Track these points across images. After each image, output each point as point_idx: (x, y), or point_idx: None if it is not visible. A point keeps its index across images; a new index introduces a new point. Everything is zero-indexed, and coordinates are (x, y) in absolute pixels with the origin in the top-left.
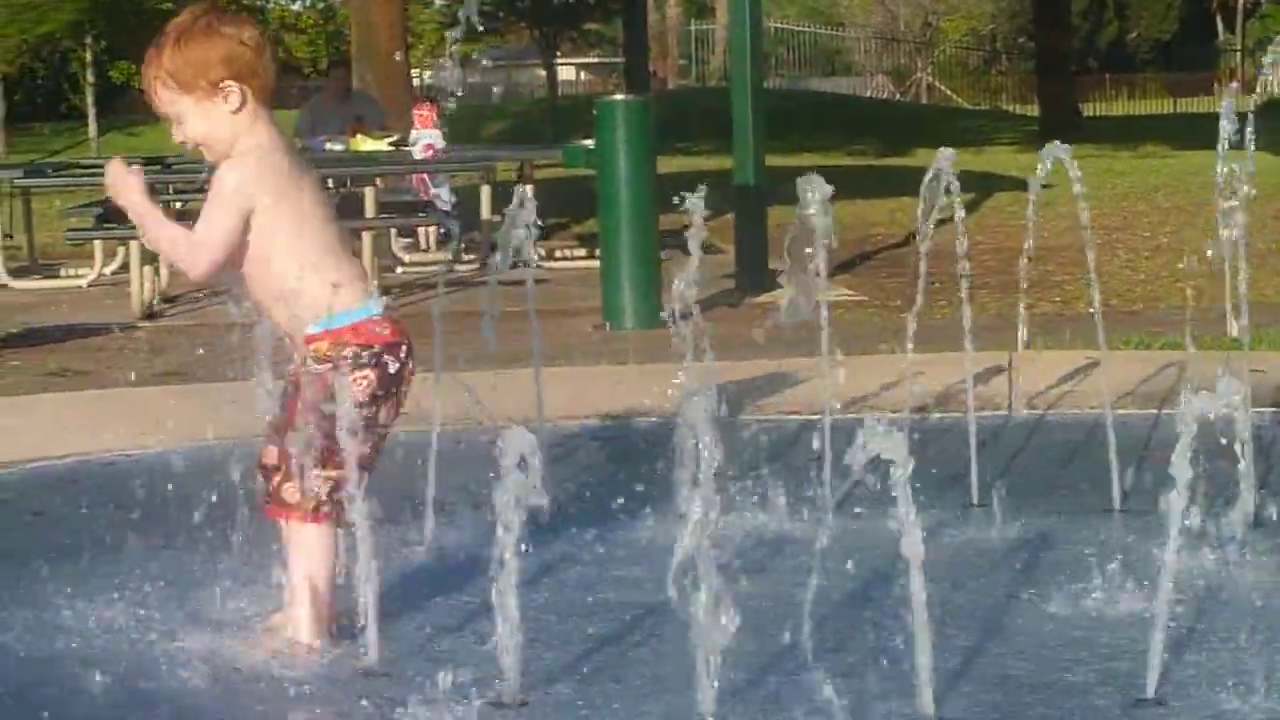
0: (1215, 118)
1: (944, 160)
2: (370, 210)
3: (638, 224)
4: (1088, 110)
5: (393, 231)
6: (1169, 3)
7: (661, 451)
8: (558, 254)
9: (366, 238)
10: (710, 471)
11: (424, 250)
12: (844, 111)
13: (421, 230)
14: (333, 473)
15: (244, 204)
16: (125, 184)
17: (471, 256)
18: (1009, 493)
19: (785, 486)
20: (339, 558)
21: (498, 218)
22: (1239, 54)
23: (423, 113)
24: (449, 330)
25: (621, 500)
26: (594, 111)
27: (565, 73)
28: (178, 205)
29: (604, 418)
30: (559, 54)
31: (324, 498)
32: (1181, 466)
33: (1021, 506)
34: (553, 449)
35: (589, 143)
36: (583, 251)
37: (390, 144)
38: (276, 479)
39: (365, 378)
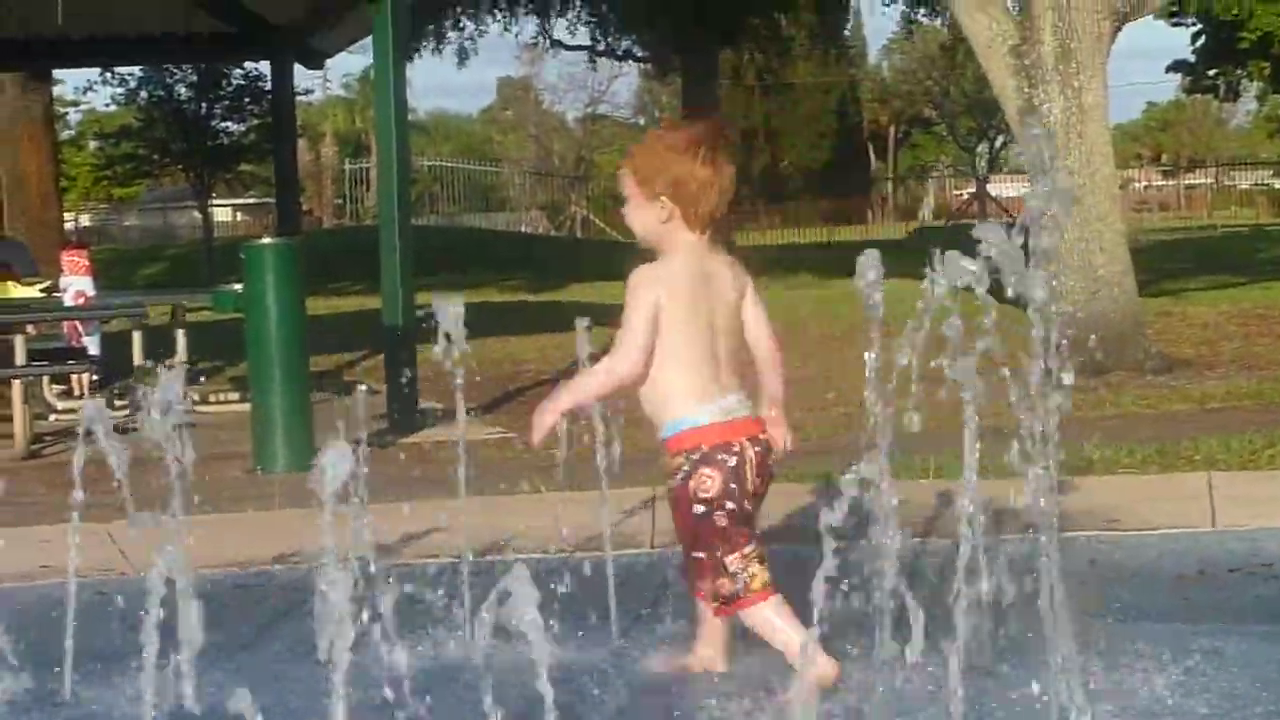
0: (867, 246)
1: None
2: (21, 358)
3: (287, 366)
4: (741, 239)
5: (45, 379)
6: (820, 131)
7: (301, 598)
8: (211, 398)
9: (17, 385)
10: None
11: (78, 397)
12: (497, 247)
13: (74, 377)
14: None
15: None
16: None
17: (123, 403)
18: (651, 631)
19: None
20: None
21: (150, 363)
22: (890, 182)
23: (74, 258)
24: (102, 479)
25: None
26: (242, 255)
27: (222, 214)
28: None
29: (245, 565)
30: (214, 196)
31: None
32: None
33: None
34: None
35: (238, 286)
36: (235, 395)
37: (42, 290)
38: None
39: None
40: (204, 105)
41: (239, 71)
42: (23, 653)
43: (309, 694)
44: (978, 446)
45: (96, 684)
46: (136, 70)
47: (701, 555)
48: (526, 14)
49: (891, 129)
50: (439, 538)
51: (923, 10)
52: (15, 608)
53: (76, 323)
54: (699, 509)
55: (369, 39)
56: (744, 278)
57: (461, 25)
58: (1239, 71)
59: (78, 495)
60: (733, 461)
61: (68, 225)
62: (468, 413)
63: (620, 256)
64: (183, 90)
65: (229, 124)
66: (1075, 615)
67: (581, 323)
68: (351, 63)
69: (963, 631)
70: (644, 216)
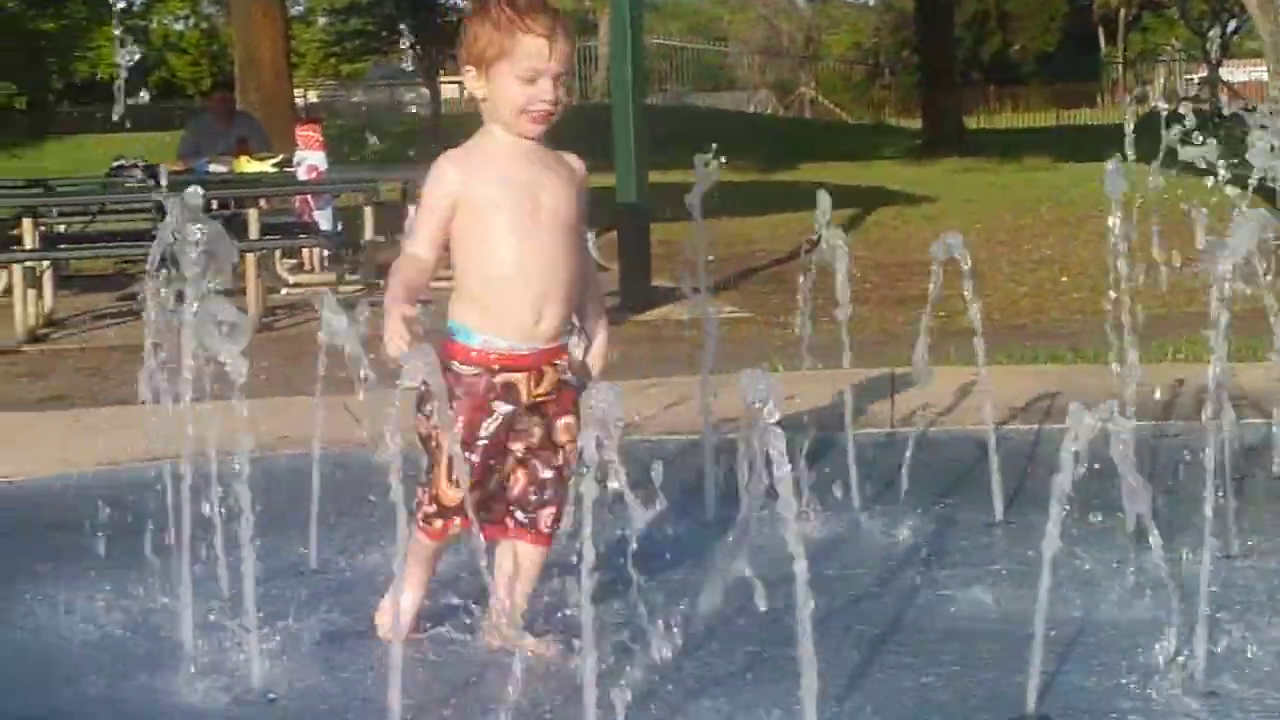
0: (1098, 129)
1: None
2: (254, 232)
3: None
4: (971, 123)
5: (277, 253)
6: (1051, 14)
7: None
8: (440, 273)
9: (250, 259)
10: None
11: (309, 271)
12: (728, 127)
13: (305, 251)
14: None
15: None
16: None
17: (356, 277)
18: (891, 506)
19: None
20: None
21: (381, 238)
22: (1121, 65)
23: (307, 133)
24: (335, 352)
25: None
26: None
27: (449, 91)
28: (61, 228)
29: None
30: (442, 72)
31: None
32: (1063, 480)
33: (904, 520)
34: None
35: None
36: None
37: (274, 165)
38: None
39: None
40: None
41: None
42: (270, 524)
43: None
44: (1223, 332)
45: (343, 554)
46: None
47: None
48: None
49: (1121, 12)
50: (680, 413)
51: None
52: (258, 478)
53: (308, 197)
54: None
55: None
56: None
57: None
58: None
59: (318, 367)
60: None
61: (297, 101)
62: (700, 291)
63: (849, 137)
64: None
65: (457, 0)
66: None
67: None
68: None
69: (1209, 515)
70: None
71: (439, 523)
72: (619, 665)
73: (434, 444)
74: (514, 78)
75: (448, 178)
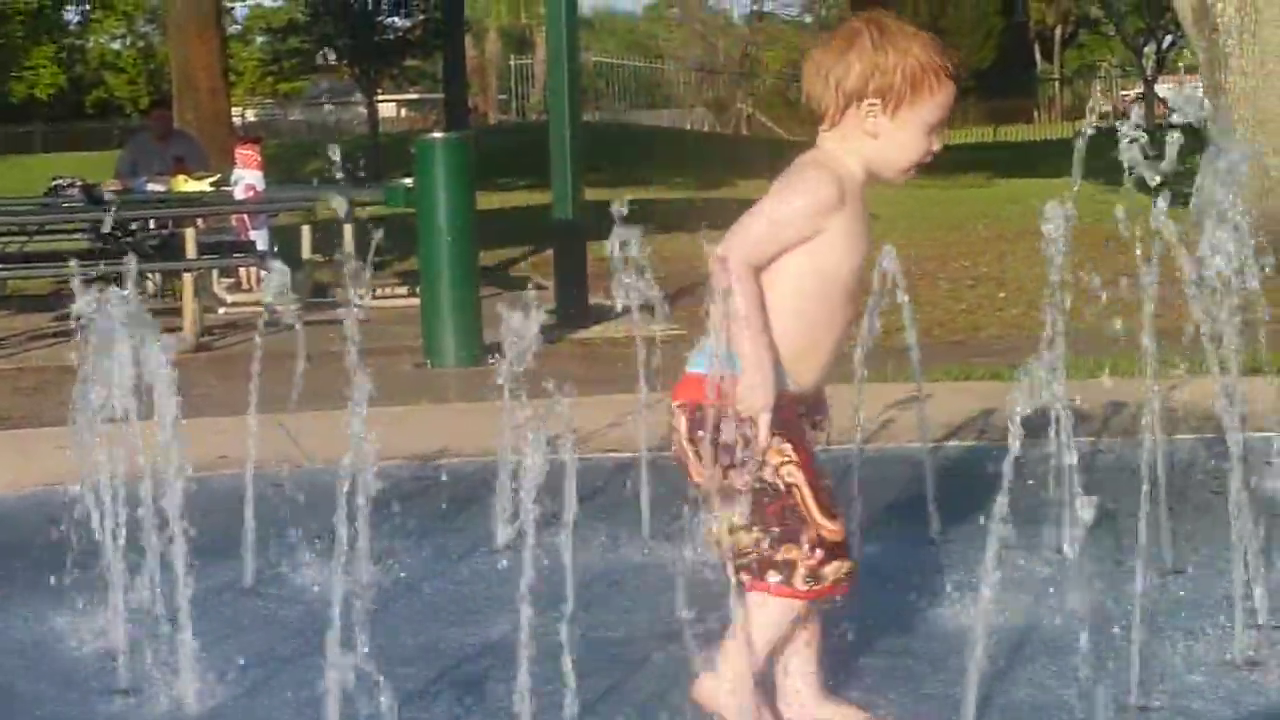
0: (1033, 146)
1: None
2: (191, 251)
3: (457, 262)
4: None
5: (214, 272)
6: (987, 31)
7: (483, 490)
8: (379, 292)
9: (188, 278)
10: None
11: (246, 290)
12: (665, 144)
13: (243, 270)
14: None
15: None
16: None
17: (293, 296)
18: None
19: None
20: None
21: (318, 256)
22: (1057, 82)
23: (245, 152)
24: (272, 371)
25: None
26: (413, 150)
27: (386, 109)
28: None
29: (422, 458)
30: (380, 91)
31: None
32: (999, 497)
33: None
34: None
35: (409, 181)
36: (404, 290)
37: (212, 184)
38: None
39: None
40: (370, 0)
41: None
42: (206, 543)
43: (487, 581)
44: (1153, 347)
45: (278, 573)
46: None
47: None
48: None
49: (1058, 29)
50: (613, 433)
51: None
52: (196, 498)
53: (244, 216)
54: None
55: None
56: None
57: None
58: None
59: (253, 387)
60: None
61: (235, 120)
62: (639, 309)
63: (787, 153)
64: None
65: (394, 19)
66: (1261, 513)
67: None
68: None
69: (1145, 529)
70: None
71: (827, 570)
72: None
73: (783, 487)
74: (923, 124)
75: (832, 202)
